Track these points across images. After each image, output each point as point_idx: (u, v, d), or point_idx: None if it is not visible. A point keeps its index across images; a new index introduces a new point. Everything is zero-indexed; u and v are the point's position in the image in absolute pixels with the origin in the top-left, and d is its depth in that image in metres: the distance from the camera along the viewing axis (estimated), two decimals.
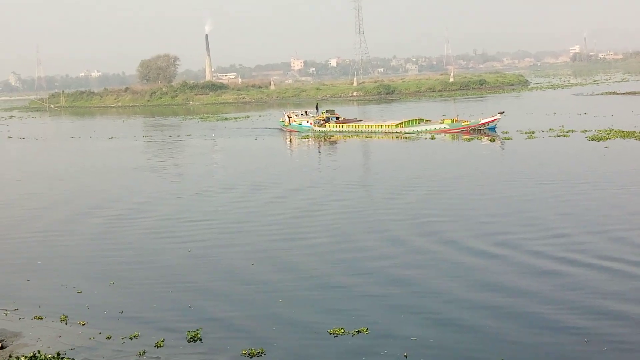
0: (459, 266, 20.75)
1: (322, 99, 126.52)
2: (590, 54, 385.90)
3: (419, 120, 65.26)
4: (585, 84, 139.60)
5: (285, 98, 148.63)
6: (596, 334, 15.32)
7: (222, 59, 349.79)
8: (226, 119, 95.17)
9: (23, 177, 46.91)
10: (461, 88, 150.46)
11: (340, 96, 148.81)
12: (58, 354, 14.67)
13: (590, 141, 47.49)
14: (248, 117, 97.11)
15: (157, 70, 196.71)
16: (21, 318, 18.14)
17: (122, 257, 23.94)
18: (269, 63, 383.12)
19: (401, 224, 26.67)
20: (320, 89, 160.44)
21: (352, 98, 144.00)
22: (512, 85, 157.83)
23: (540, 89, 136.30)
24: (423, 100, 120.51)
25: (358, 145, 58.40)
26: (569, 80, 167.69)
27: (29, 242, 27.12)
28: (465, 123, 60.94)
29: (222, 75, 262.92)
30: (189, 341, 16.00)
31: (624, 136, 48.52)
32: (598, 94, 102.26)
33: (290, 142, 63.39)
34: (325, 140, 62.71)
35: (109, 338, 16.40)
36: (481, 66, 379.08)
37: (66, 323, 17.61)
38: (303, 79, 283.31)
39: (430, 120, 65.29)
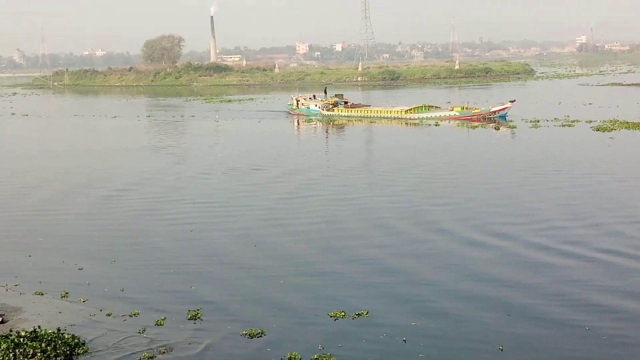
0: (459, 255, 20.68)
1: (327, 84, 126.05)
2: (597, 44, 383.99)
3: (429, 107, 64.78)
4: (591, 75, 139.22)
5: (289, 81, 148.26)
6: (596, 325, 15.26)
7: (227, 41, 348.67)
8: (230, 101, 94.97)
9: (25, 153, 46.84)
10: (466, 76, 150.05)
11: (345, 81, 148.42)
12: (58, 330, 14.67)
13: (595, 131, 47.37)
14: (252, 99, 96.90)
15: (162, 51, 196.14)
16: (22, 293, 18.16)
17: (123, 236, 23.94)
18: (273, 46, 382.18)
19: (402, 211, 26.61)
20: (325, 74, 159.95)
21: (356, 83, 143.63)
22: (518, 74, 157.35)
23: (546, 78, 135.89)
24: (428, 87, 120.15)
25: (366, 130, 58.21)
26: (574, 71, 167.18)
27: (31, 218, 27.13)
28: (476, 111, 60.55)
29: (227, 57, 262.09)
30: (189, 320, 16.00)
31: (630, 127, 48.39)
32: (604, 85, 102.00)
33: (298, 125, 63.19)
34: (332, 124, 62.50)
35: (109, 315, 16.41)
36: (487, 54, 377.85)
37: (67, 299, 17.62)
38: (308, 62, 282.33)
39: (440, 107, 64.93)
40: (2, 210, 28.77)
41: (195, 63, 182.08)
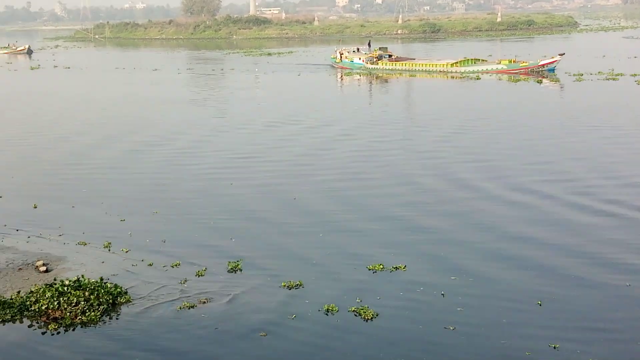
0: (496, 214, 20.46)
1: (366, 36, 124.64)
2: None
3: (475, 60, 63.61)
4: (636, 27, 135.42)
5: (328, 34, 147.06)
6: (637, 285, 15.04)
7: None
8: (269, 54, 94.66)
9: (68, 107, 47.38)
10: (508, 28, 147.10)
11: (385, 34, 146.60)
12: (101, 279, 14.96)
13: None
14: (291, 52, 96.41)
15: (201, 4, 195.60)
16: (65, 243, 18.51)
17: (165, 188, 24.20)
18: None
19: (442, 166, 26.44)
20: (365, 26, 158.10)
21: (396, 36, 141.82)
22: (561, 26, 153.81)
23: (590, 31, 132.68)
24: (469, 39, 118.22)
25: (410, 84, 57.63)
26: (619, 23, 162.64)
27: (74, 170, 27.53)
28: (524, 64, 59.27)
29: (266, 10, 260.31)
30: (229, 272, 16.19)
31: None
32: None
33: (341, 79, 62.77)
34: (376, 78, 61.93)
35: (150, 265, 16.67)
36: (529, 6, 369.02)
37: (109, 249, 17.93)
38: (347, 15, 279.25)
39: (487, 60, 63.77)
40: (46, 162, 29.25)
41: (235, 16, 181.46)
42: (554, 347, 12.34)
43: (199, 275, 15.95)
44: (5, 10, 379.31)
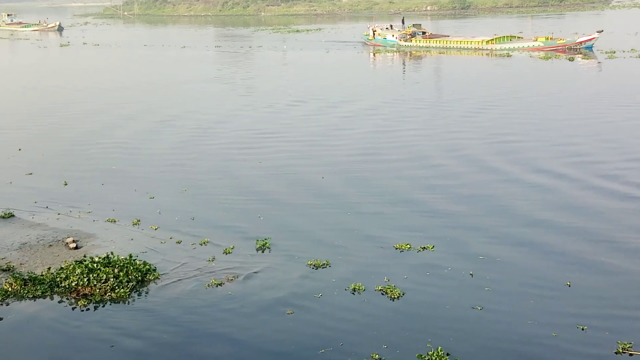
0: (529, 188, 20.37)
1: (395, 13, 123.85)
2: None
3: (511, 37, 62.72)
4: None
5: (357, 11, 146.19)
6: None
7: None
8: (297, 31, 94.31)
9: (97, 84, 47.68)
10: (539, 4, 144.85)
11: (414, 10, 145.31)
12: (130, 256, 15.10)
13: None
14: (320, 29, 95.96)
15: None
16: (95, 220, 18.69)
17: (193, 167, 24.32)
18: None
19: (473, 143, 26.28)
20: (393, 3, 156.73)
21: (425, 12, 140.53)
22: (593, 2, 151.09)
23: (623, 7, 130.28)
24: (499, 16, 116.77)
25: (445, 61, 57.15)
26: None
27: (103, 148, 27.74)
28: (561, 41, 58.32)
29: None
30: (257, 250, 16.25)
31: None
32: None
33: (374, 56, 62.35)
34: (410, 55, 61.41)
35: (179, 243, 16.79)
36: None
37: (138, 227, 18.08)
38: None
39: (522, 37, 62.89)
40: (76, 140, 29.49)
41: None
42: (582, 329, 12.26)
43: (226, 253, 16.04)
44: None
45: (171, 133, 29.96)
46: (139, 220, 18.44)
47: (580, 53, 54.58)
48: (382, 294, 13.76)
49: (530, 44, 59.27)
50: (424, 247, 15.99)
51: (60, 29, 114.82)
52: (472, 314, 12.95)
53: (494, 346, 11.96)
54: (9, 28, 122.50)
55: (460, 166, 23.17)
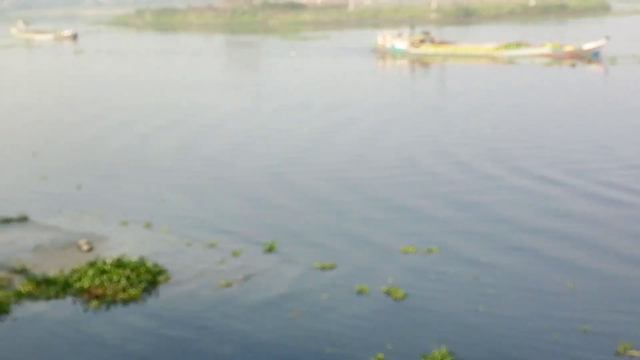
0: (530, 193, 20.58)
1: (400, 21, 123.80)
2: None
3: (519, 44, 62.80)
4: None
5: (363, 19, 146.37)
6: None
7: None
8: (305, 38, 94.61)
9: (111, 89, 48.10)
10: (542, 12, 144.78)
11: (418, 17, 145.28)
12: (142, 258, 15.43)
13: None
14: (327, 37, 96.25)
15: None
16: (107, 223, 19.02)
17: (204, 170, 24.63)
18: None
19: (474, 149, 26.52)
20: (399, 11, 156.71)
21: (429, 20, 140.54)
22: (594, 9, 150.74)
23: (624, 14, 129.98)
24: (503, 23, 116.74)
25: (453, 68, 57.15)
26: None
27: (115, 150, 28.10)
28: (569, 48, 58.64)
29: None
30: (265, 252, 16.55)
31: None
32: None
33: (383, 63, 62.48)
34: (418, 62, 61.50)
35: (189, 245, 17.11)
36: None
37: (150, 229, 18.42)
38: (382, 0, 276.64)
39: (530, 44, 62.88)
40: (90, 144, 29.82)
41: (271, 1, 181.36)
42: (583, 330, 12.49)
43: (236, 255, 16.33)
44: None
45: (181, 137, 30.25)
46: (150, 223, 18.77)
47: (588, 59, 54.59)
48: (387, 295, 14.03)
49: (539, 50, 59.25)
50: (430, 250, 16.25)
51: (75, 36, 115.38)
52: (476, 315, 13.20)
53: (497, 347, 12.21)
54: (25, 36, 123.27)
55: (459, 172, 23.42)
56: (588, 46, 57.28)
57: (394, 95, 42.11)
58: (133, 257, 15.49)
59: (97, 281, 14.50)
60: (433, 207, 19.69)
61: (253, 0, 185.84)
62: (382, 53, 68.54)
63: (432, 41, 67.96)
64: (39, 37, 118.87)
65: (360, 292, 14.19)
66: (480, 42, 67.20)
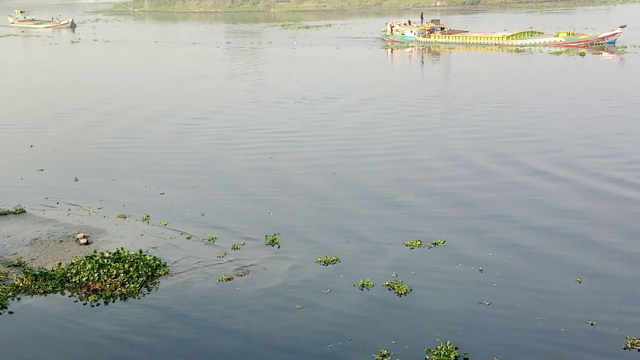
0: (537, 189, 20.27)
1: (405, 9, 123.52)
2: None
3: (531, 33, 62.14)
4: None
5: (366, 7, 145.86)
6: None
7: None
8: (307, 27, 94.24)
9: (108, 81, 47.87)
10: (548, 0, 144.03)
11: (423, 6, 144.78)
12: (140, 252, 15.19)
13: None
14: (329, 25, 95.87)
15: None
16: (105, 216, 18.80)
17: (203, 164, 24.38)
18: None
19: (480, 143, 26.27)
20: None
21: (435, 8, 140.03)
22: None
23: (634, 2, 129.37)
24: (509, 11, 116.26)
25: (464, 57, 56.66)
26: None
27: (114, 144, 27.87)
28: (583, 37, 57.65)
29: None
30: (266, 245, 16.31)
31: None
32: None
33: (392, 52, 62.11)
34: (428, 51, 61.08)
35: (189, 238, 16.87)
36: None
37: (148, 222, 18.17)
38: None
39: (543, 33, 62.22)
40: (87, 136, 29.63)
41: None
42: (591, 324, 12.26)
43: (236, 249, 16.10)
44: None
45: (178, 129, 30.09)
46: (149, 216, 18.53)
47: (602, 48, 54.02)
48: (390, 289, 13.79)
49: (552, 39, 58.57)
50: (435, 243, 15.99)
51: (72, 26, 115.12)
52: (481, 309, 12.97)
53: (503, 341, 11.97)
54: (22, 25, 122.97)
55: (470, 160, 23.15)
56: (604, 34, 56.56)
57: (412, 87, 41.78)
58: (132, 251, 15.27)
59: (95, 275, 14.29)
60: (436, 203, 19.34)
61: None
62: (390, 42, 68.09)
63: (442, 30, 67.42)
64: (36, 27, 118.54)
65: (363, 286, 13.95)
66: (492, 31, 66.36)
